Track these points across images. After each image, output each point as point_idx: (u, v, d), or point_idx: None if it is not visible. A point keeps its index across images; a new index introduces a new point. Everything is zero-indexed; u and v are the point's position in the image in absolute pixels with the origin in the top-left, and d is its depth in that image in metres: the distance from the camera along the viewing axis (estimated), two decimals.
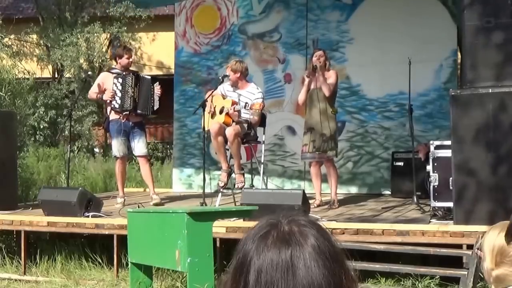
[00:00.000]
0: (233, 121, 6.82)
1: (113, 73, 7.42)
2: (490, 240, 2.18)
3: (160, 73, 18.07)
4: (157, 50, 18.22)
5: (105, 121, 7.55)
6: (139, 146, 7.34)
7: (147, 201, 7.39)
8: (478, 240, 5.03)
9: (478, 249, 2.25)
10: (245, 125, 6.94)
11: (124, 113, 7.22)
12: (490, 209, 5.30)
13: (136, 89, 7.25)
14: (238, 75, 7.00)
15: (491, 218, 5.20)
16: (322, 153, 6.87)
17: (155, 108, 7.34)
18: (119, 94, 7.21)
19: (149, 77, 7.53)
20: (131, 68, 7.76)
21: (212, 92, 6.96)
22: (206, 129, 6.86)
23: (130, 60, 7.44)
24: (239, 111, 6.79)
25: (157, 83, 7.40)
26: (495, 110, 5.34)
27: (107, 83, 7.32)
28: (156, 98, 7.31)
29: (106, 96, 7.27)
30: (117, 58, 7.49)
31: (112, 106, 7.27)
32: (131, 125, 7.29)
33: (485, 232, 2.28)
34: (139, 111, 7.28)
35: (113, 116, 7.33)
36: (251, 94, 6.97)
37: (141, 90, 7.28)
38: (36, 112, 15.55)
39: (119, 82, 7.23)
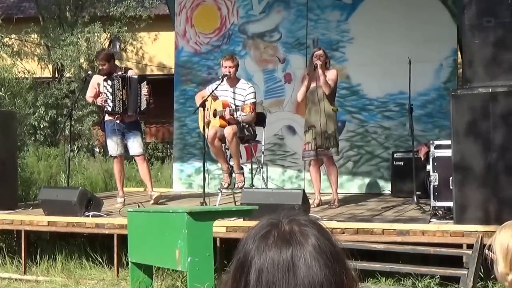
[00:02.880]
0: (229, 123, 6.81)
1: (101, 75, 7.41)
2: (503, 242, 2.10)
3: (162, 73, 18.06)
4: (159, 50, 18.21)
5: (101, 122, 7.59)
6: (134, 146, 7.36)
7: (148, 201, 7.39)
8: (477, 239, 5.03)
9: (488, 249, 2.18)
10: (241, 125, 6.92)
11: (116, 116, 7.25)
12: (491, 208, 5.30)
13: (124, 91, 7.22)
14: (237, 70, 7.01)
15: (491, 218, 5.21)
16: (324, 150, 6.87)
17: (142, 108, 7.31)
18: (110, 97, 7.22)
19: (136, 76, 7.48)
20: (123, 66, 7.75)
21: (209, 95, 6.84)
22: (204, 130, 6.81)
23: (104, 67, 7.32)
24: (233, 115, 6.77)
25: (145, 82, 7.34)
26: (496, 110, 5.34)
27: (100, 86, 7.34)
28: (144, 98, 7.27)
29: (99, 101, 7.32)
30: None
31: (105, 109, 7.31)
32: (125, 126, 7.32)
33: (492, 231, 2.20)
34: (129, 113, 7.28)
35: (107, 117, 7.40)
36: (243, 90, 6.97)
37: (129, 92, 7.25)
38: (37, 111, 15.55)
39: (108, 85, 7.23)
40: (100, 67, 7.44)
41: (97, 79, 7.48)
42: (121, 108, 7.21)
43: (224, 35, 9.31)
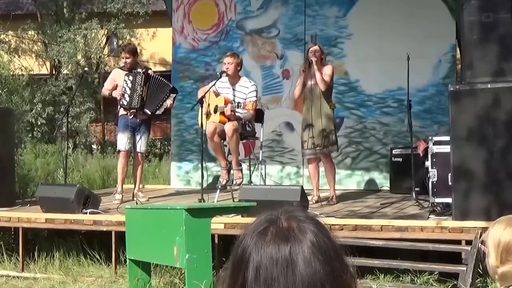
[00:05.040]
0: (229, 119, 6.79)
1: (124, 70, 7.49)
2: (495, 236, 2.12)
3: (162, 69, 18.02)
4: (157, 46, 18.18)
5: (115, 116, 7.64)
6: (141, 144, 7.45)
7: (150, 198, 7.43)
8: (476, 235, 5.02)
9: (481, 243, 2.20)
10: (242, 121, 6.91)
11: (131, 111, 7.27)
12: (489, 204, 5.29)
13: (145, 88, 7.30)
14: (239, 68, 7.00)
15: (490, 213, 5.19)
16: (322, 148, 6.84)
17: (157, 112, 7.44)
18: (128, 91, 7.30)
19: (171, 85, 7.57)
20: (144, 64, 7.81)
21: (208, 90, 6.85)
22: (203, 126, 6.81)
23: (127, 61, 7.40)
24: (234, 111, 6.75)
25: (175, 95, 7.49)
26: (494, 106, 5.32)
27: (119, 80, 7.41)
28: (164, 106, 7.40)
29: (116, 94, 7.38)
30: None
31: (121, 103, 7.33)
32: (138, 122, 7.37)
33: (489, 226, 2.21)
34: (146, 110, 7.33)
35: (121, 112, 7.45)
36: (245, 88, 6.95)
37: (150, 90, 7.32)
38: (34, 108, 15.52)
39: (129, 80, 7.32)
40: (124, 60, 7.49)
41: (117, 72, 7.59)
42: (138, 104, 7.27)
43: (221, 31, 9.28)
